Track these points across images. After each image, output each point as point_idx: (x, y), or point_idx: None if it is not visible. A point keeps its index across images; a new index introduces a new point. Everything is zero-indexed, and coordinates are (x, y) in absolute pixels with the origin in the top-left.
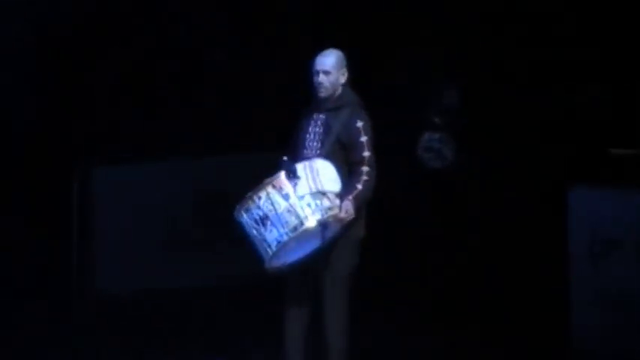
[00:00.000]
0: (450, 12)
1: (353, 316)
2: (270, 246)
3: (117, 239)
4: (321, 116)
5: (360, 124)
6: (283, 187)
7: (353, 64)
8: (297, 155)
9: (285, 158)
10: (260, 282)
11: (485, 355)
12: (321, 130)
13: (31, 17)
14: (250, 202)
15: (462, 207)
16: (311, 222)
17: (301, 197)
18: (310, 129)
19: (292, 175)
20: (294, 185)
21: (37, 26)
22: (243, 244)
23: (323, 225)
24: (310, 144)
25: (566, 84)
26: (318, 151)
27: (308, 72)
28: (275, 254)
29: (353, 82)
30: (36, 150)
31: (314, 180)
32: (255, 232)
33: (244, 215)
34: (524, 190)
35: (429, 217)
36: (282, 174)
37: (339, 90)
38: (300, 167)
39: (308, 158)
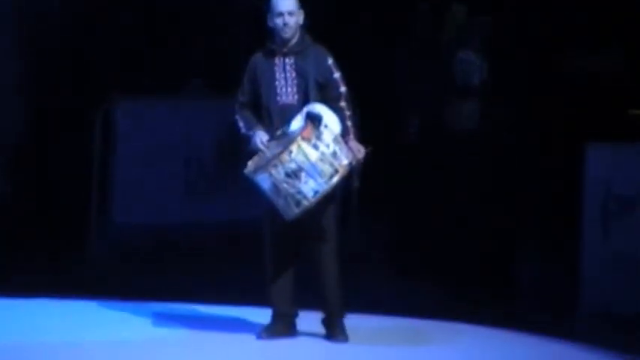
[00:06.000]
0: None
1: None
2: (306, 197)
3: (136, 173)
4: (287, 60)
5: (330, 61)
6: (312, 137)
7: None
8: (269, 103)
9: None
10: None
11: (495, 317)
12: (294, 75)
13: None
14: (281, 157)
15: (479, 164)
16: (343, 167)
17: (327, 145)
18: (278, 75)
19: (318, 124)
20: (320, 134)
21: None
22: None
23: (351, 167)
24: (283, 90)
25: (585, 46)
26: (296, 96)
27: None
28: (311, 204)
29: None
30: (60, 84)
31: (331, 125)
32: (286, 185)
33: (272, 172)
34: (541, 148)
35: (445, 173)
36: (309, 124)
37: (299, 32)
38: (323, 115)
39: (286, 105)
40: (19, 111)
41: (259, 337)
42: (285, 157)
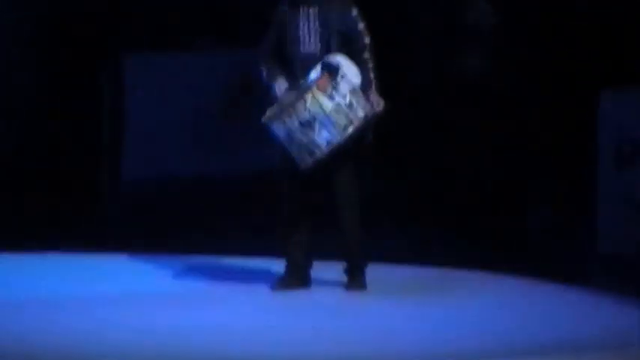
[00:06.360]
0: None
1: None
2: (319, 147)
3: (145, 127)
4: (312, 10)
5: (355, 12)
6: (327, 87)
7: None
8: (292, 53)
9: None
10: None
11: (510, 259)
12: (317, 25)
13: None
14: (295, 106)
15: (492, 110)
16: (359, 119)
17: (344, 96)
18: (301, 24)
19: (334, 75)
20: (336, 85)
21: None
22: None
23: (367, 120)
24: (306, 39)
25: None
26: (319, 44)
27: None
28: (325, 155)
29: None
30: (70, 38)
31: (350, 76)
32: (299, 135)
33: (286, 121)
34: (555, 93)
35: (460, 115)
36: (325, 75)
37: None
38: (342, 65)
39: (309, 54)
40: (28, 67)
41: (273, 288)
42: (299, 106)
